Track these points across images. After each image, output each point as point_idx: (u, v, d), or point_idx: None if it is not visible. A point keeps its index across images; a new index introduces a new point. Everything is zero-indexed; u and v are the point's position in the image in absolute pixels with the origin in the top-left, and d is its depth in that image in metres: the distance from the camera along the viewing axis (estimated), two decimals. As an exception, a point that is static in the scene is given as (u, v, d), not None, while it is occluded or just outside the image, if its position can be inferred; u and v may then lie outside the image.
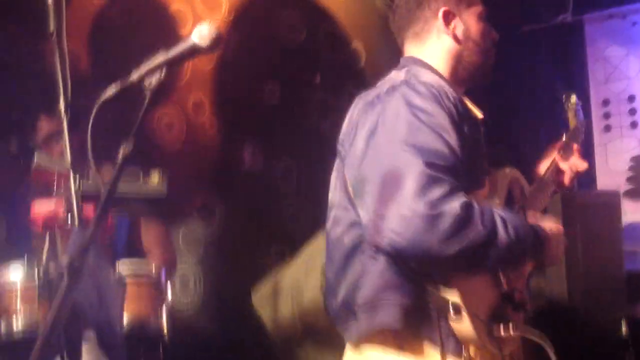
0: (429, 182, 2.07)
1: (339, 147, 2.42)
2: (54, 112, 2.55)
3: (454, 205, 2.06)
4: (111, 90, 1.98)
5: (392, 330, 2.21)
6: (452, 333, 2.19)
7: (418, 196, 2.05)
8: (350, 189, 2.31)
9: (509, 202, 2.50)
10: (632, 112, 5.84)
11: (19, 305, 2.74)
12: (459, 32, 2.48)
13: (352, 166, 2.29)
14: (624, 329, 3.90)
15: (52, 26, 2.71)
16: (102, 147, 2.03)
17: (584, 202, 4.69)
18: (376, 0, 5.26)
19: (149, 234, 3.54)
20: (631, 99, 5.85)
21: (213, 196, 4.22)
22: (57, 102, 2.50)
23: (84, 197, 2.43)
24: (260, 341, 3.35)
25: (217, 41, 2.01)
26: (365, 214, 2.17)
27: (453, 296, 2.17)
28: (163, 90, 2.01)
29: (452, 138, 2.18)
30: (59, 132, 2.50)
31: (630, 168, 5.79)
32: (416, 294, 2.20)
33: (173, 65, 2.00)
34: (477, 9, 2.52)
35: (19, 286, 2.79)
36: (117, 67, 2.38)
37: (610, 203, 5.02)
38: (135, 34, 3.86)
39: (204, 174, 4.21)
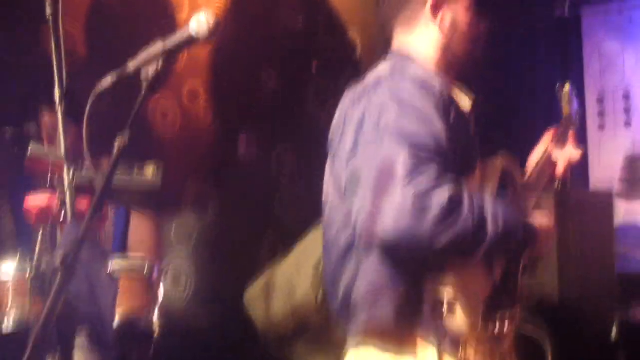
0: (417, 172, 2.06)
1: (330, 144, 2.41)
2: (53, 101, 2.53)
3: (443, 194, 2.06)
4: (107, 81, 1.96)
5: (388, 329, 2.20)
6: (448, 330, 2.18)
7: (406, 187, 2.04)
8: (341, 185, 2.29)
9: (501, 191, 2.49)
10: (627, 110, 5.84)
11: (10, 300, 2.71)
12: (447, 22, 2.47)
13: (342, 162, 2.29)
14: (615, 330, 3.90)
15: (48, 11, 2.69)
16: (97, 138, 2.00)
17: (577, 202, 4.68)
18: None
19: (139, 227, 3.52)
20: (626, 96, 5.84)
21: (207, 187, 4.20)
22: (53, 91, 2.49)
23: (78, 190, 2.42)
24: (253, 337, 3.33)
25: (214, 30, 1.99)
26: (355, 210, 2.15)
27: (447, 292, 2.16)
28: (160, 81, 1.99)
29: (439, 127, 2.17)
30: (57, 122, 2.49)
31: (624, 168, 5.79)
32: (410, 292, 2.19)
33: (170, 55, 1.99)
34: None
35: (11, 280, 2.76)
36: (114, 53, 2.36)
37: (603, 203, 5.02)
38: (132, 20, 3.83)
39: (198, 164, 4.19)
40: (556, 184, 2.75)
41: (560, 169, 2.72)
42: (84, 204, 2.54)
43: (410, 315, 2.20)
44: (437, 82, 2.29)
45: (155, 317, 2.89)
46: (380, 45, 2.63)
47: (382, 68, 2.38)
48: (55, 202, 2.67)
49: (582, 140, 5.47)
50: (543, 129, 2.87)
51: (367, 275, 2.24)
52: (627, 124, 5.83)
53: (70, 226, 2.38)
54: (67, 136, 2.50)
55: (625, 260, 5.09)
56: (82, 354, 2.59)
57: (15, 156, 3.07)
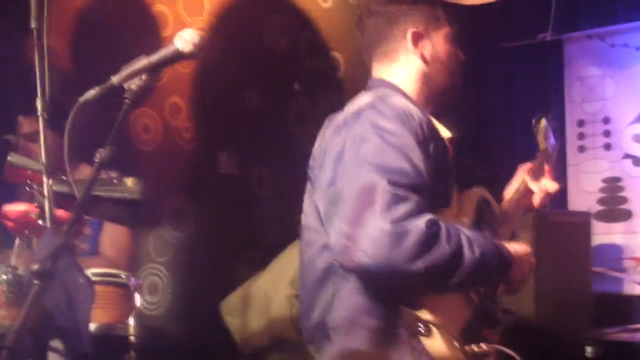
0: (394, 201, 2.08)
1: (309, 172, 2.44)
2: (34, 111, 2.54)
3: (419, 223, 2.08)
4: (90, 94, 1.97)
5: (365, 354, 2.22)
6: (425, 353, 2.20)
7: (383, 215, 2.06)
8: (320, 212, 2.31)
9: (478, 222, 2.51)
10: (607, 133, 5.88)
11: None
12: (427, 53, 2.50)
13: (321, 190, 2.31)
14: (590, 350, 3.92)
15: (33, 23, 2.70)
16: (79, 149, 2.02)
17: (555, 222, 4.72)
18: (357, 10, 5.26)
19: (115, 237, 3.52)
20: (606, 120, 5.89)
21: (186, 200, 4.20)
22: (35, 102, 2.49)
23: (58, 199, 2.42)
24: (229, 349, 3.34)
25: (199, 48, 2.01)
26: (333, 236, 2.17)
27: (424, 315, 2.18)
28: (142, 96, 2.01)
29: (418, 158, 2.20)
30: (37, 132, 2.49)
31: (602, 189, 5.83)
32: (388, 315, 2.21)
33: (154, 71, 2.01)
34: (446, 30, 2.55)
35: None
36: (98, 67, 2.37)
37: (580, 223, 5.06)
38: (117, 35, 3.84)
39: (178, 178, 4.19)
40: (533, 213, 2.78)
41: (536, 201, 2.74)
42: (63, 214, 2.54)
43: (387, 340, 2.21)
44: (416, 113, 2.31)
45: (132, 327, 2.88)
46: (363, 67, 2.66)
47: (363, 98, 2.40)
48: (34, 212, 2.67)
49: (561, 162, 5.53)
50: (525, 155, 2.89)
51: (344, 300, 2.26)
52: (607, 146, 5.87)
53: (49, 235, 2.38)
54: (47, 147, 2.51)
55: (601, 280, 5.13)
56: (57, 365, 2.58)
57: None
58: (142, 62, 1.99)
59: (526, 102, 6.00)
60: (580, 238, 4.96)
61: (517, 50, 6.12)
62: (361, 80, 2.64)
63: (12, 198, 2.90)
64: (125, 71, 1.98)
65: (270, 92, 4.71)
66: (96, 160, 1.93)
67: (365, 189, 2.11)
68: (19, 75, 3.25)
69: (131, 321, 2.89)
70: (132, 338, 2.85)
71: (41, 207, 2.57)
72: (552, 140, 2.96)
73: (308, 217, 2.42)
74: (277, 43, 4.82)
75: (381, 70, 2.53)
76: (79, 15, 3.79)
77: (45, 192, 2.49)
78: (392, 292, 2.19)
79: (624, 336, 3.89)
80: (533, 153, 2.89)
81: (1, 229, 2.93)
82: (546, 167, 2.79)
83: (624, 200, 5.74)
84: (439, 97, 2.53)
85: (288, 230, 2.79)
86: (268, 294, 3.25)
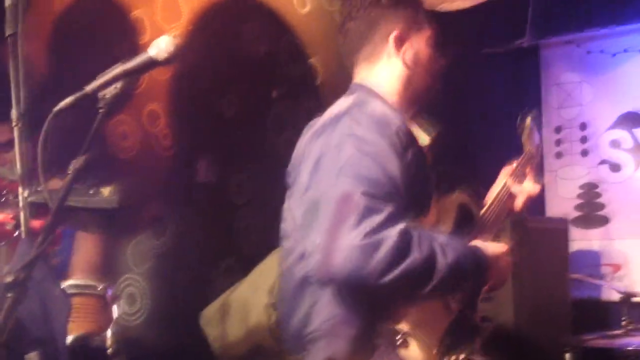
0: (367, 213, 2.08)
1: (287, 178, 2.43)
2: (8, 119, 2.52)
3: (391, 233, 2.08)
4: (65, 102, 1.96)
5: None
6: (403, 363, 2.20)
7: (355, 226, 2.06)
8: (297, 220, 2.31)
9: (458, 228, 2.51)
10: (584, 139, 5.92)
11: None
12: (409, 57, 2.50)
13: (297, 197, 2.31)
14: (569, 356, 3.93)
15: (8, 31, 2.68)
16: (55, 158, 2.00)
17: (532, 228, 4.73)
18: (335, 16, 5.28)
19: (92, 247, 3.50)
20: (583, 126, 5.92)
21: (164, 208, 4.18)
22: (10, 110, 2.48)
23: (33, 209, 2.41)
24: (209, 358, 3.32)
25: (175, 55, 2.00)
26: (309, 248, 2.17)
27: (402, 325, 2.17)
28: (118, 104, 2.00)
29: (394, 167, 2.20)
30: (12, 141, 2.47)
31: (579, 195, 5.86)
32: (364, 325, 2.20)
33: (130, 79, 2.00)
34: (427, 33, 2.55)
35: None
36: (75, 75, 2.35)
37: (558, 230, 5.09)
38: (94, 41, 3.82)
39: (156, 186, 4.17)
40: (514, 217, 2.77)
41: (518, 203, 2.73)
42: (38, 223, 2.52)
43: (365, 350, 2.21)
44: (395, 119, 2.30)
45: (110, 337, 2.87)
46: (341, 73, 2.66)
47: (342, 103, 2.39)
48: (9, 221, 2.66)
49: (538, 168, 5.55)
50: (503, 160, 2.89)
51: (322, 309, 2.25)
52: (584, 152, 5.90)
53: (24, 245, 2.37)
54: (23, 157, 2.49)
55: (579, 287, 5.15)
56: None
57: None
58: (117, 70, 1.98)
59: (503, 108, 6.02)
60: (558, 244, 4.99)
61: (494, 56, 6.15)
62: (340, 86, 2.63)
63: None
64: (100, 80, 1.97)
65: (248, 99, 4.70)
66: (70, 170, 1.91)
67: (340, 200, 2.11)
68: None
69: (109, 332, 2.88)
70: (109, 347, 2.84)
71: (17, 217, 2.56)
72: (536, 140, 2.95)
73: (287, 223, 2.42)
74: (255, 49, 4.81)
75: (363, 74, 2.52)
76: (55, 22, 3.77)
77: (20, 203, 2.47)
78: (369, 303, 2.18)
79: (602, 342, 3.90)
80: (511, 159, 2.88)
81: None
82: (528, 169, 2.79)
83: (602, 206, 5.77)
84: (420, 100, 2.53)
85: (268, 238, 2.78)
86: (246, 303, 3.24)
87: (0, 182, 2.67)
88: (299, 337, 2.30)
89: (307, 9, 5.18)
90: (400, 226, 2.10)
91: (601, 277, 5.55)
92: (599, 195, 5.80)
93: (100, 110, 1.95)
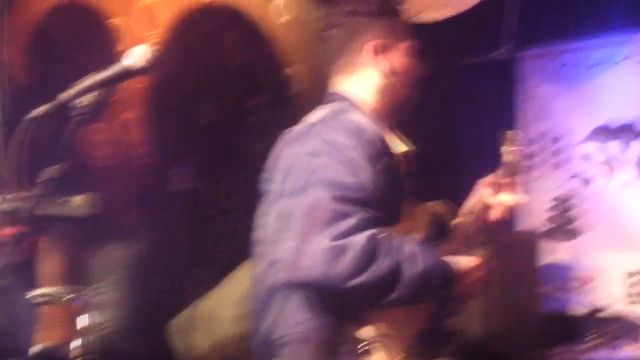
0: (337, 218, 2.11)
1: (262, 185, 2.44)
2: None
3: (359, 238, 2.11)
4: (39, 111, 1.96)
5: None
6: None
7: (324, 232, 2.09)
8: (269, 226, 2.32)
9: (431, 237, 2.52)
10: (556, 153, 5.95)
11: None
12: (387, 67, 2.52)
13: (270, 205, 2.32)
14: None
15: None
16: (28, 166, 2.00)
17: (503, 241, 4.75)
18: (313, 27, 5.29)
19: (63, 255, 3.48)
20: (555, 139, 5.95)
21: (138, 217, 4.17)
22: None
23: (5, 217, 2.40)
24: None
25: (151, 64, 2.01)
26: (280, 252, 2.19)
27: (369, 332, 2.19)
28: (94, 112, 2.01)
29: (366, 173, 2.22)
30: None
31: (551, 208, 5.89)
32: (333, 332, 2.21)
33: (106, 88, 2.01)
34: (407, 43, 2.57)
35: None
36: (53, 82, 2.35)
37: (529, 243, 5.11)
38: (71, 49, 3.82)
39: (130, 194, 4.16)
40: (490, 229, 2.76)
41: (494, 216, 2.71)
42: (8, 230, 2.52)
43: (332, 357, 2.22)
44: (370, 129, 2.33)
45: (78, 348, 2.86)
46: (318, 83, 2.67)
47: (319, 113, 2.41)
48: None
49: (517, 180, 5.56)
50: (478, 172, 2.89)
51: (291, 314, 2.26)
52: (556, 166, 5.94)
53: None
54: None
55: (549, 300, 5.17)
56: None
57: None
58: (92, 79, 1.99)
59: (477, 120, 6.05)
60: (528, 257, 5.01)
61: (469, 68, 6.17)
62: (316, 96, 2.65)
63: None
64: (75, 88, 1.98)
65: (224, 108, 4.71)
66: (43, 178, 1.91)
67: (310, 205, 2.14)
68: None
69: (76, 342, 2.86)
70: (77, 358, 2.83)
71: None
72: (517, 153, 2.96)
73: (260, 231, 2.43)
74: (231, 58, 4.82)
75: (341, 83, 2.54)
76: (34, 30, 3.76)
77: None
78: (337, 308, 2.20)
79: (571, 356, 3.92)
80: (487, 170, 2.88)
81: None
82: (506, 181, 2.77)
83: (573, 219, 5.80)
84: (398, 110, 2.55)
85: (242, 247, 2.79)
86: (214, 314, 3.25)
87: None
88: (268, 343, 2.31)
89: (284, 18, 5.19)
90: (369, 232, 2.12)
91: (570, 290, 5.59)
92: (570, 208, 5.83)
93: (75, 120, 1.96)
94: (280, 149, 2.39)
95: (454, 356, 2.45)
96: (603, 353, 3.84)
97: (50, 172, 1.91)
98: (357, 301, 2.17)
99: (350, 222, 2.11)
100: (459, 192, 2.87)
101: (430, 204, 2.60)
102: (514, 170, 2.84)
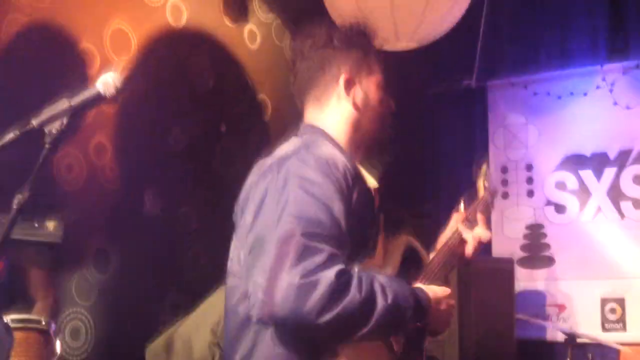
0: (306, 252, 2.09)
1: (234, 217, 2.42)
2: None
3: (329, 274, 2.08)
4: (8, 136, 1.94)
5: None
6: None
7: (293, 266, 2.07)
8: (241, 259, 2.30)
9: (405, 269, 2.51)
10: (530, 180, 5.99)
11: None
12: (359, 99, 2.51)
13: (242, 238, 2.30)
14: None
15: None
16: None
17: (478, 268, 4.76)
18: (285, 52, 5.30)
19: (35, 281, 3.44)
20: (529, 167, 6.00)
21: (110, 242, 4.13)
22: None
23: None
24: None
25: (121, 91, 2.00)
26: (250, 286, 2.17)
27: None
28: (64, 138, 1.98)
29: (337, 208, 2.20)
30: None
31: (525, 236, 5.92)
32: None
33: (76, 113, 1.99)
34: (377, 77, 2.56)
35: None
36: (21, 107, 2.32)
37: (504, 270, 5.12)
38: (42, 72, 3.78)
39: (102, 219, 4.12)
40: (464, 262, 2.74)
41: (469, 250, 2.68)
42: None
43: None
44: (342, 162, 2.31)
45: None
46: (290, 109, 2.66)
47: (291, 145, 2.39)
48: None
49: (490, 214, 5.60)
50: (451, 200, 2.88)
51: (264, 348, 2.24)
52: (530, 193, 5.98)
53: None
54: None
55: (524, 327, 5.18)
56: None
57: None
58: (63, 105, 1.97)
59: (450, 148, 6.08)
60: (504, 284, 5.03)
61: (442, 96, 6.22)
62: (288, 122, 2.63)
63: None
64: (46, 114, 1.95)
65: (196, 133, 4.69)
66: (15, 203, 1.89)
67: (281, 240, 2.12)
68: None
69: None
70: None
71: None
72: (491, 187, 2.96)
73: (233, 263, 2.41)
74: (203, 83, 4.81)
75: (313, 115, 2.52)
76: (2, 53, 3.73)
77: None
78: (309, 343, 2.18)
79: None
80: (459, 200, 2.88)
81: None
82: (480, 216, 2.76)
83: (547, 247, 5.84)
84: (369, 143, 2.54)
85: (214, 273, 2.76)
86: (190, 340, 3.22)
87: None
88: None
89: (257, 44, 5.20)
90: (339, 267, 2.10)
91: (546, 317, 5.60)
92: (544, 235, 5.87)
93: (46, 146, 1.94)
94: (252, 182, 2.37)
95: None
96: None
97: (22, 196, 1.87)
98: (330, 336, 2.16)
99: (321, 257, 2.09)
100: (432, 222, 2.87)
101: (403, 236, 2.59)
102: (488, 205, 2.85)
